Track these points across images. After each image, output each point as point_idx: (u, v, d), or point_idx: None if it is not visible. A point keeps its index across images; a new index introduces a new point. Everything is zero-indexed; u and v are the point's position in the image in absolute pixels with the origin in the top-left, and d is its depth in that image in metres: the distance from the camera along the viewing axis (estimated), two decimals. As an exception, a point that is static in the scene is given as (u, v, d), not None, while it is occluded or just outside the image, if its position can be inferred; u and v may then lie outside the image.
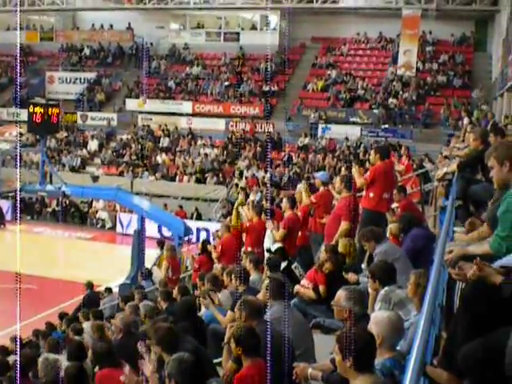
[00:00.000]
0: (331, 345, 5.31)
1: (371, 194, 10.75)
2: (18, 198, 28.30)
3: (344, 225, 10.56)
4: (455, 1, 32.24)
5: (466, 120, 21.07)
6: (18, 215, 29.45)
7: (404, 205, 11.65)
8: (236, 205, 13.74)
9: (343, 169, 14.71)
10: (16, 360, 9.04)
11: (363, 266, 9.01)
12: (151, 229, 22.52)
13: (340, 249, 9.41)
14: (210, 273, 11.02)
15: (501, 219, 4.50)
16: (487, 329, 3.57)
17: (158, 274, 16.39)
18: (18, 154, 31.92)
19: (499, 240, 4.39)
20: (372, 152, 11.79)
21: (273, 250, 10.93)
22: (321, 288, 9.00)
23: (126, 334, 9.08)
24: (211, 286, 9.71)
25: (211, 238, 18.60)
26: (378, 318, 5.21)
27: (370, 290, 7.01)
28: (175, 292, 10.67)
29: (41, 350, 11.29)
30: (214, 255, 13.56)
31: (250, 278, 9.51)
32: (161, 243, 18.46)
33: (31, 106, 22.10)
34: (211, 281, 9.91)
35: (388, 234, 9.24)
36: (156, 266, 17.78)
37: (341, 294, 6.12)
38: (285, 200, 12.52)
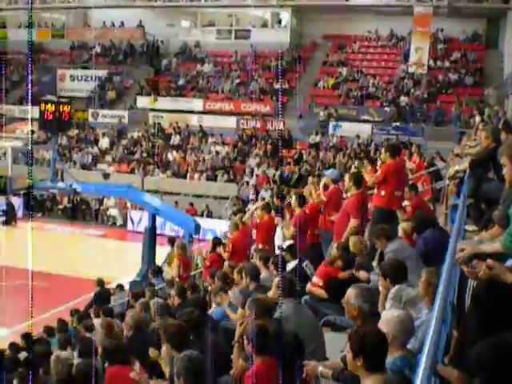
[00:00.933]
0: (342, 342, 5.31)
1: (382, 192, 10.73)
2: (31, 196, 28.42)
3: (353, 222, 10.54)
4: (467, -2, 32.17)
5: (477, 118, 20.94)
6: (30, 212, 29.55)
7: (415, 203, 11.62)
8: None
9: (353, 166, 14.68)
10: (27, 356, 9.09)
11: (374, 263, 8.99)
12: (162, 226, 22.56)
13: (350, 246, 9.38)
14: (221, 271, 11.02)
15: (512, 217, 4.48)
16: (498, 328, 3.55)
17: (169, 272, 16.41)
18: (30, 152, 32.08)
19: (511, 238, 4.36)
20: (383, 150, 11.78)
21: (284, 247, 10.93)
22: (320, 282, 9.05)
23: (136, 331, 9.10)
24: (222, 284, 9.73)
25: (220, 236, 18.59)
26: (388, 317, 5.20)
27: (380, 289, 7.00)
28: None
29: (52, 347, 11.34)
30: (224, 254, 13.57)
31: (261, 275, 9.51)
32: (171, 241, 18.49)
33: (42, 104, 22.20)
34: (221, 279, 9.92)
35: (400, 233, 9.19)
36: (166, 263, 17.79)
37: (351, 292, 6.11)
38: (294, 198, 12.52)
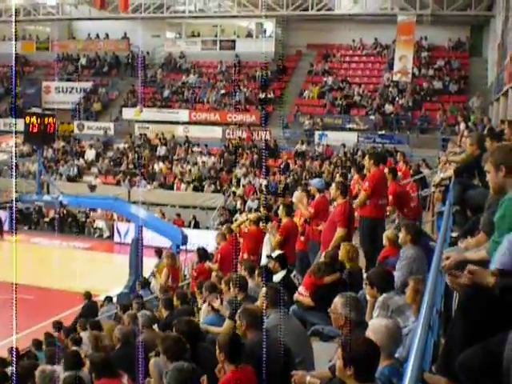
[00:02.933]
0: (330, 352, 5.29)
1: (367, 202, 10.76)
2: (15, 208, 28.26)
3: (340, 231, 10.53)
4: (450, 6, 32.31)
5: (462, 125, 21.11)
6: (15, 225, 29.37)
7: (394, 189, 11.62)
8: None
9: (338, 175, 14.68)
10: (13, 371, 9.01)
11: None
12: (149, 238, 22.48)
13: (341, 254, 9.35)
14: (208, 281, 10.98)
15: (497, 225, 4.47)
16: (484, 335, 3.54)
17: (157, 283, 16.35)
18: (14, 164, 31.93)
19: (496, 246, 4.36)
20: (366, 158, 11.79)
21: (273, 256, 10.89)
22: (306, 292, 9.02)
23: (125, 344, 9.05)
24: (209, 295, 9.70)
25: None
26: (376, 325, 5.19)
27: (367, 297, 6.99)
28: (174, 299, 10.67)
29: (40, 361, 11.25)
30: (212, 265, 13.54)
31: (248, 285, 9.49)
32: (159, 252, 18.44)
33: (27, 117, 22.13)
34: (209, 289, 9.89)
35: (384, 241, 9.17)
36: (155, 274, 17.73)
37: (337, 301, 6.10)
38: (281, 207, 12.51)
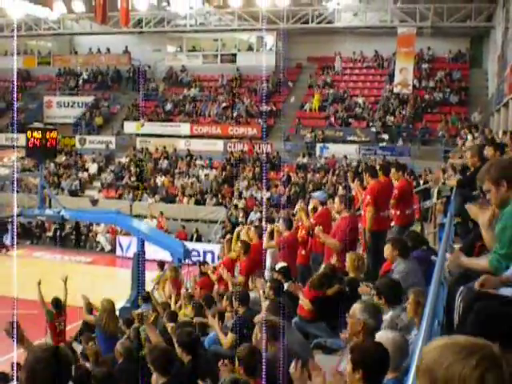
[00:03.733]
0: (333, 365, 5.26)
1: (376, 215, 10.75)
2: (16, 223, 28.24)
3: (335, 244, 10.59)
4: (450, 18, 32.40)
5: (469, 137, 21.05)
6: (15, 240, 29.35)
7: (402, 186, 11.62)
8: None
9: (340, 188, 14.67)
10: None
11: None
12: (151, 251, 22.45)
13: (347, 263, 9.34)
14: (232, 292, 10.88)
15: (499, 237, 4.46)
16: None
17: (160, 296, 16.31)
18: (16, 179, 31.95)
19: (498, 257, 4.34)
20: (363, 173, 11.86)
21: (277, 268, 10.88)
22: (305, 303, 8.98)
23: (127, 358, 9.03)
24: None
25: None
26: (383, 338, 5.17)
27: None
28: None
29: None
30: (212, 277, 13.53)
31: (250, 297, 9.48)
32: (161, 265, 18.40)
33: (29, 131, 22.16)
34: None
35: (386, 254, 9.15)
36: (156, 287, 17.69)
37: (356, 307, 6.09)
38: (281, 221, 12.52)
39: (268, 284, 9.72)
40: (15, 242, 28.76)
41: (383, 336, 5.32)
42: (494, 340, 2.72)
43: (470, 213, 5.19)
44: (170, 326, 9.59)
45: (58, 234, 31.87)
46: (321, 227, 11.16)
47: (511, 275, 4.02)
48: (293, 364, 5.20)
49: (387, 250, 8.43)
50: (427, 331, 3.54)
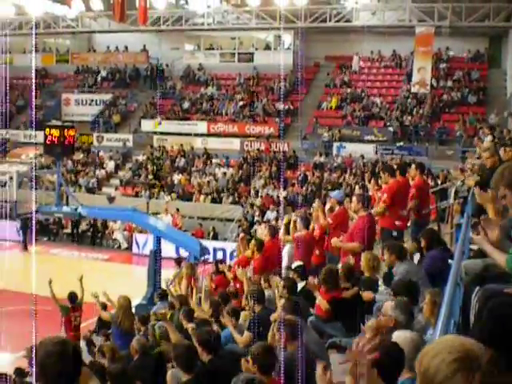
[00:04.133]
0: (347, 365, 5.24)
1: (387, 213, 10.75)
2: (34, 220, 28.40)
3: (355, 246, 10.55)
4: (468, 18, 32.21)
5: (489, 137, 20.91)
6: (34, 237, 29.52)
7: (418, 184, 11.61)
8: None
9: (357, 187, 14.65)
10: (32, 382, 9.05)
11: (380, 282, 8.94)
12: (167, 249, 22.51)
13: (362, 262, 9.32)
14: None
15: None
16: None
17: (177, 292, 16.32)
18: (34, 176, 32.12)
19: (513, 258, 4.30)
20: (381, 172, 11.85)
21: (293, 267, 10.88)
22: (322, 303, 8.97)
23: (143, 354, 9.06)
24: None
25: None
26: (401, 337, 5.17)
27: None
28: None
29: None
30: (228, 275, 13.54)
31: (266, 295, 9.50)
32: (178, 262, 18.45)
33: (47, 129, 22.28)
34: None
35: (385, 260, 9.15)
36: (174, 284, 17.71)
37: (388, 304, 6.10)
38: (299, 220, 12.49)
39: (282, 283, 9.72)
40: (33, 239, 28.89)
41: (401, 335, 5.32)
42: (505, 339, 2.71)
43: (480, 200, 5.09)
44: (190, 326, 9.62)
45: (74, 231, 32.05)
46: (340, 238, 11.15)
47: None
48: (318, 368, 5.19)
49: (385, 256, 8.48)
50: (443, 331, 3.53)
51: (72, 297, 15.31)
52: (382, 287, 8.89)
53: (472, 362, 2.04)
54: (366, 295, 8.54)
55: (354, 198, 11.46)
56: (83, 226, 32.07)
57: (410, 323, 6.03)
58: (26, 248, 29.63)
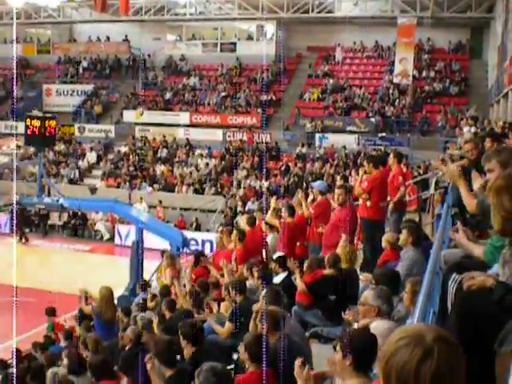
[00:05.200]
0: (329, 354, 5.28)
1: (368, 203, 10.81)
2: (15, 211, 28.23)
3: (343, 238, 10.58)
4: (450, 8, 32.33)
5: (473, 129, 21.00)
6: (14, 228, 29.36)
7: (397, 173, 11.63)
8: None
9: (339, 178, 14.65)
10: (13, 373, 9.04)
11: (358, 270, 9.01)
12: (150, 240, 22.46)
13: (341, 255, 9.37)
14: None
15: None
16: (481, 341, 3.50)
17: (162, 283, 16.30)
18: (15, 167, 31.94)
19: (492, 249, 4.34)
20: (365, 162, 11.87)
21: (274, 258, 10.91)
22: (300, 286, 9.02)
23: (135, 344, 9.06)
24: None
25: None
26: (379, 328, 5.18)
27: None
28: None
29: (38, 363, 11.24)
30: (211, 268, 13.52)
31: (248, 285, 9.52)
32: (164, 253, 18.40)
33: (28, 119, 22.10)
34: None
35: (384, 244, 9.16)
36: (157, 275, 17.69)
37: (368, 293, 6.09)
38: (283, 209, 12.50)
39: (256, 274, 9.75)
40: (14, 230, 28.73)
41: (379, 326, 5.34)
42: (471, 338, 2.77)
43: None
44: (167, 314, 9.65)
45: (65, 222, 31.89)
46: (320, 229, 11.20)
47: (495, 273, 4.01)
48: (296, 364, 5.22)
49: (402, 234, 8.42)
50: (420, 320, 3.55)
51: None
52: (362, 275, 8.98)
53: (417, 339, 2.10)
54: (365, 277, 8.54)
55: (340, 190, 11.43)
56: (64, 218, 31.89)
57: (389, 313, 6.06)
58: (27, 240, 29.47)
